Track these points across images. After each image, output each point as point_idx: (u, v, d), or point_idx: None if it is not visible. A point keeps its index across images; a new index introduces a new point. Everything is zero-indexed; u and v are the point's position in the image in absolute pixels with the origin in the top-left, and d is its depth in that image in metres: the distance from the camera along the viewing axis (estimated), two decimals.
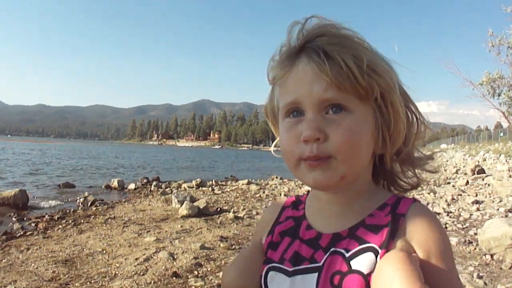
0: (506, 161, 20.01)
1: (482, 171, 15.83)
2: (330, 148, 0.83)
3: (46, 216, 9.33)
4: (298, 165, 0.88)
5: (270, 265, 0.98)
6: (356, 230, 0.89)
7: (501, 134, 39.33)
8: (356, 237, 0.88)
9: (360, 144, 0.85)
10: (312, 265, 0.90)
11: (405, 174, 0.99)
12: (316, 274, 0.88)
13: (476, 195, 10.38)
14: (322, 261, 0.89)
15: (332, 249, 0.89)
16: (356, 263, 0.84)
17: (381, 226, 0.87)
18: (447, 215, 8.02)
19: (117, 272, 4.98)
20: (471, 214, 8.08)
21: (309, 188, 1.01)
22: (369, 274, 0.81)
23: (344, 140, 0.83)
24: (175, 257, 5.47)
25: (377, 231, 0.87)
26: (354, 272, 0.83)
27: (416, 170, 0.98)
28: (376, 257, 0.83)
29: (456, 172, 18.37)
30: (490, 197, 10.02)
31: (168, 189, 15.36)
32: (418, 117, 0.94)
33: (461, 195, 10.61)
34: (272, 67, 0.94)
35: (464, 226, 7.12)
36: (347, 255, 0.86)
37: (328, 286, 0.85)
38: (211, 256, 5.58)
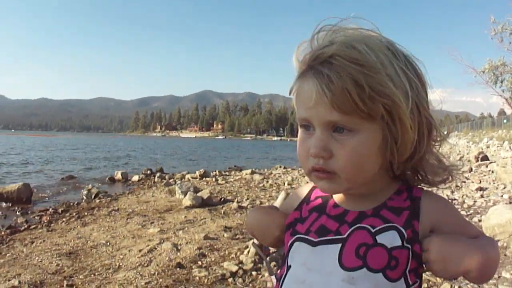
0: (510, 147, 19.98)
1: (485, 158, 15.80)
2: (334, 166, 0.92)
3: (50, 210, 9.35)
4: (310, 173, 0.98)
5: (297, 236, 1.08)
6: (380, 210, 1.00)
7: (505, 121, 39.25)
8: (381, 216, 0.99)
9: (364, 163, 0.93)
10: (336, 236, 1.00)
11: (425, 174, 1.05)
12: (339, 245, 0.98)
13: (480, 182, 10.34)
14: (347, 234, 0.99)
15: (358, 224, 0.99)
16: (381, 238, 0.95)
17: (401, 208, 0.99)
18: (451, 202, 8.00)
19: (121, 264, 4.98)
20: (475, 201, 8.05)
21: None
22: (393, 249, 0.94)
23: (347, 161, 0.91)
24: (179, 247, 5.47)
25: (399, 213, 0.99)
26: (379, 246, 0.95)
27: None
28: (400, 236, 0.95)
29: (460, 159, 18.31)
30: (494, 183, 9.99)
31: (172, 180, 15.35)
32: (432, 123, 0.98)
33: (465, 182, 10.57)
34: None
35: (468, 213, 7.10)
36: (372, 230, 0.97)
37: (353, 256, 0.96)
38: (215, 246, 5.58)
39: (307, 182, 1.19)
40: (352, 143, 0.90)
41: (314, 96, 0.89)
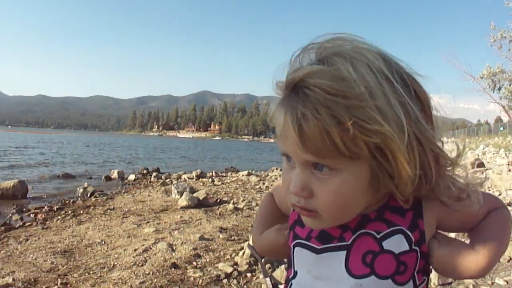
0: (506, 155, 20.02)
1: (481, 164, 15.81)
2: (315, 206, 0.85)
3: (45, 207, 9.34)
4: (292, 207, 0.91)
5: (297, 241, 1.03)
6: (383, 212, 0.94)
7: (501, 128, 39.41)
8: (384, 219, 0.93)
9: (348, 202, 0.85)
10: (341, 243, 0.95)
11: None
12: (344, 252, 0.94)
13: None
14: (351, 240, 0.94)
15: (362, 230, 0.94)
16: (387, 244, 0.91)
17: (405, 209, 0.92)
18: None
19: (115, 263, 4.98)
20: None
21: None
22: (400, 254, 0.90)
23: (330, 201, 0.83)
24: (174, 248, 5.47)
25: (403, 213, 0.92)
26: (386, 252, 0.90)
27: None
28: (407, 239, 0.91)
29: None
30: (489, 190, 10.00)
31: (168, 180, 15.37)
32: (439, 153, 0.88)
33: None
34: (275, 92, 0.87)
35: None
36: (378, 236, 0.92)
37: (360, 264, 0.92)
38: (210, 247, 5.58)
39: None
40: (334, 184, 0.81)
41: (291, 133, 0.79)
